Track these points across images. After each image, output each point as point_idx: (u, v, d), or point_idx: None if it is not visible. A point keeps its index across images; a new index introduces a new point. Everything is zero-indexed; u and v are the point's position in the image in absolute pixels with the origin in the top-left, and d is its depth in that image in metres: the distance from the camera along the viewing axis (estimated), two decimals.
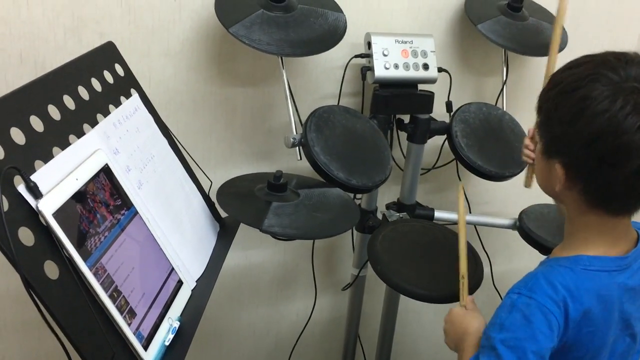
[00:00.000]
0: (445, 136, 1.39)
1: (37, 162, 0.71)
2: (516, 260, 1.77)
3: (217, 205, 1.11)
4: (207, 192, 1.13)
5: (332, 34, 1.23)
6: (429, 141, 1.40)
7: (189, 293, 0.91)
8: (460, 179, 1.53)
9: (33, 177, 0.67)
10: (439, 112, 1.40)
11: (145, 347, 0.75)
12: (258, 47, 1.14)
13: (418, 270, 1.12)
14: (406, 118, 1.40)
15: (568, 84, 0.77)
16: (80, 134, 0.81)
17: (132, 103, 0.97)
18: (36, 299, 0.63)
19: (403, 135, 1.43)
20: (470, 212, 1.61)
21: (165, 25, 1.22)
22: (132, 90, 1.01)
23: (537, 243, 1.30)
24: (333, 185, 1.16)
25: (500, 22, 1.39)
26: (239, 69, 1.32)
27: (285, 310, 1.64)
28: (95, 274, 0.70)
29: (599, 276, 0.80)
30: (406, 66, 1.33)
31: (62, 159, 0.74)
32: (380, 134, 1.29)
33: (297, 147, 1.20)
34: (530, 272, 0.83)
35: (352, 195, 1.33)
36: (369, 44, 1.31)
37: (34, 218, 0.66)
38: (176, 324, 0.83)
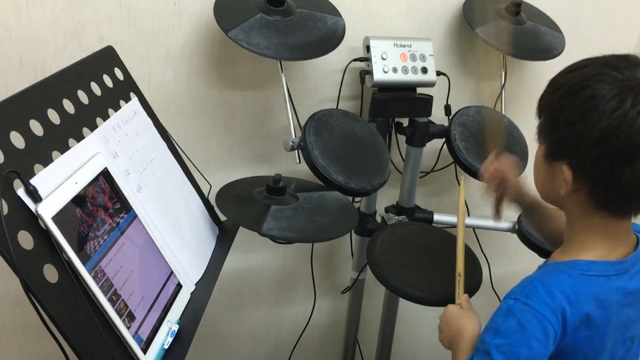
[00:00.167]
0: (443, 139, 1.39)
1: (37, 166, 0.71)
2: (515, 263, 1.78)
3: (216, 209, 1.11)
4: (206, 195, 1.14)
5: (331, 38, 1.24)
6: (428, 144, 1.40)
7: (188, 296, 0.91)
8: (459, 182, 1.53)
9: (32, 181, 0.68)
10: (437, 116, 1.41)
11: (145, 350, 0.75)
12: (257, 51, 1.14)
13: (417, 273, 1.12)
14: (405, 121, 1.40)
15: (573, 84, 0.77)
16: (79, 137, 0.81)
17: (132, 107, 0.97)
18: (35, 302, 0.63)
19: (402, 138, 1.43)
20: (469, 215, 1.61)
21: (165, 29, 1.22)
22: (132, 94, 1.01)
23: (536, 246, 1.31)
24: (332, 189, 1.16)
25: (498, 25, 1.40)
26: (238, 73, 1.32)
27: (285, 313, 1.64)
28: (95, 278, 0.70)
29: (597, 281, 0.80)
30: (405, 70, 1.33)
31: (62, 162, 0.74)
32: (379, 137, 1.29)
33: (296, 151, 1.20)
34: (527, 276, 0.83)
35: (351, 198, 1.33)
36: (368, 48, 1.32)
37: (33, 222, 0.66)
38: (175, 327, 0.83)
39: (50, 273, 0.66)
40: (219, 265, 1.03)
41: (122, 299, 0.74)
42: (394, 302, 1.53)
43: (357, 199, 1.43)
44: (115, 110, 0.93)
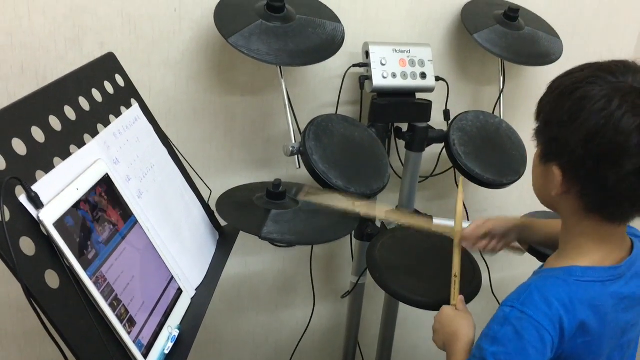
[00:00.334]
0: (443, 144, 1.40)
1: (39, 173, 0.72)
2: (515, 267, 1.78)
3: (216, 214, 1.12)
4: (206, 200, 1.14)
5: (330, 44, 1.24)
6: (427, 149, 1.41)
7: (189, 301, 0.92)
8: (458, 186, 1.53)
9: (34, 187, 0.68)
10: (436, 121, 1.41)
11: (145, 356, 0.76)
12: (257, 57, 1.15)
13: (417, 277, 1.12)
14: (404, 126, 1.41)
15: (567, 86, 0.78)
16: (81, 144, 0.82)
17: (132, 113, 0.98)
18: (37, 307, 0.64)
19: (401, 143, 1.43)
20: (468, 220, 1.61)
21: (166, 35, 1.23)
22: (132, 100, 1.02)
23: (535, 251, 1.30)
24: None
25: (496, 31, 1.40)
26: (239, 79, 1.33)
27: (285, 317, 1.64)
28: (96, 283, 0.71)
29: (593, 287, 0.80)
30: (404, 75, 1.34)
31: (63, 169, 0.75)
32: (379, 143, 1.30)
33: (296, 156, 1.21)
34: (524, 282, 0.83)
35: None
36: (367, 54, 1.32)
37: (35, 228, 0.67)
38: (176, 332, 0.84)
39: (52, 279, 0.66)
40: (219, 270, 1.03)
41: (123, 304, 0.75)
42: (394, 307, 1.53)
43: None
44: (116, 117, 0.93)
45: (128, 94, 1.02)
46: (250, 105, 1.36)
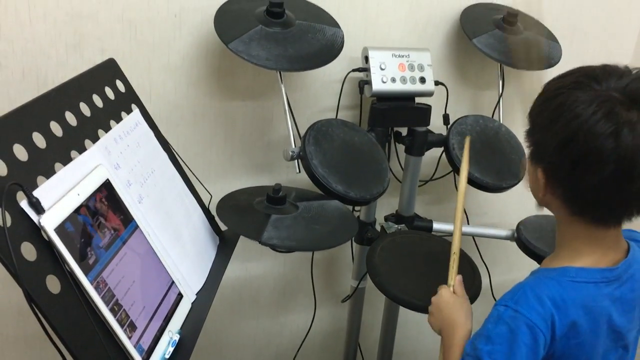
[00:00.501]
0: (442, 148, 1.40)
1: (40, 178, 0.72)
2: (515, 270, 1.77)
3: (216, 219, 1.12)
4: (207, 205, 1.15)
5: (330, 49, 1.25)
6: (427, 153, 1.41)
7: (189, 306, 0.92)
8: (457, 188, 1.54)
9: (35, 193, 0.69)
10: (436, 125, 1.42)
11: None
12: (257, 62, 1.16)
13: (417, 281, 1.13)
14: (404, 131, 1.41)
15: (551, 91, 0.80)
16: (81, 149, 0.82)
17: (133, 118, 0.98)
18: (38, 312, 0.64)
19: (401, 147, 1.44)
20: (468, 223, 1.62)
21: (166, 40, 1.23)
22: (133, 106, 1.02)
23: (535, 254, 1.31)
24: (331, 198, 1.17)
25: (495, 36, 1.41)
26: (239, 84, 1.33)
27: (286, 321, 1.64)
28: (97, 288, 0.71)
29: (586, 288, 0.81)
30: (403, 80, 1.34)
31: (64, 174, 0.75)
32: (378, 147, 1.30)
33: (296, 160, 1.21)
34: (518, 283, 0.84)
35: (350, 207, 1.34)
36: (367, 58, 1.33)
37: (36, 233, 0.67)
38: (176, 337, 0.84)
39: (53, 284, 0.67)
40: (219, 275, 1.03)
41: (124, 309, 0.75)
42: (394, 311, 1.53)
43: (356, 208, 1.44)
44: (117, 122, 0.94)
45: (128, 100, 1.02)
46: (250, 110, 1.37)
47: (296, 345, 1.62)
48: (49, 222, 0.68)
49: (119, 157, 0.89)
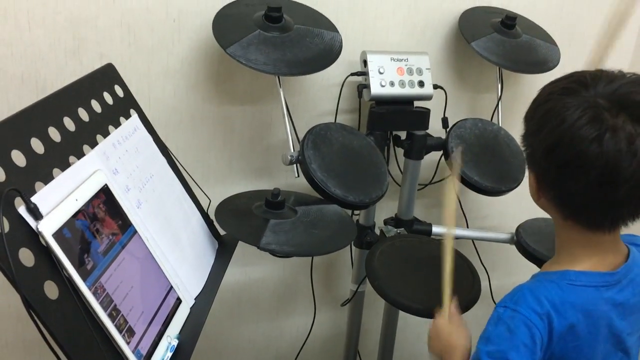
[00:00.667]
0: (441, 152, 1.40)
1: (38, 184, 0.72)
2: (515, 274, 1.77)
3: (215, 223, 1.12)
4: (205, 210, 1.14)
5: (328, 54, 1.25)
6: (426, 157, 1.41)
7: (188, 311, 0.92)
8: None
9: (33, 199, 0.69)
10: (435, 128, 1.42)
11: None
12: (255, 67, 1.16)
13: (416, 285, 1.12)
14: (403, 134, 1.41)
15: (543, 97, 0.81)
16: (80, 155, 0.82)
17: (131, 123, 0.99)
18: (36, 318, 0.64)
19: (400, 151, 1.44)
20: (468, 227, 1.62)
21: (165, 45, 1.24)
22: (132, 111, 1.02)
23: (534, 257, 1.31)
24: (330, 202, 1.17)
25: (494, 39, 1.41)
26: (237, 88, 1.33)
27: (285, 326, 1.64)
28: (95, 294, 0.71)
29: (586, 291, 0.81)
30: (402, 83, 1.34)
31: (62, 180, 0.75)
32: (377, 151, 1.30)
33: (295, 165, 1.21)
34: (519, 284, 0.85)
35: (349, 211, 1.34)
36: (365, 62, 1.33)
37: (34, 239, 0.67)
38: (175, 342, 0.84)
39: (51, 289, 0.67)
40: (218, 280, 1.03)
41: (122, 314, 0.75)
42: (394, 314, 1.53)
43: (355, 211, 1.44)
44: (115, 127, 0.94)
45: (127, 105, 1.02)
46: (249, 114, 1.37)
47: (296, 349, 1.62)
48: (47, 227, 0.68)
49: (117, 163, 0.89)
